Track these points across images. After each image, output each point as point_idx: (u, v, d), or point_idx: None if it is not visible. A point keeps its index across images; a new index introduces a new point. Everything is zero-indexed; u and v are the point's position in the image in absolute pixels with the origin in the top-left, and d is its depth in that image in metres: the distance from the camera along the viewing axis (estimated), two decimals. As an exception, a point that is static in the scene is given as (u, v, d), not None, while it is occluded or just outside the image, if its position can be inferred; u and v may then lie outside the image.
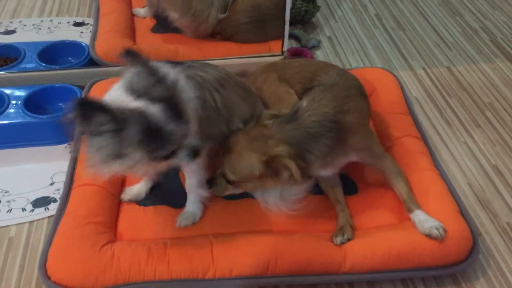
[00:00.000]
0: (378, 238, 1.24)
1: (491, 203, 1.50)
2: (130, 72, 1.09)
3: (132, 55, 1.09)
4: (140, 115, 1.03)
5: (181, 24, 2.00)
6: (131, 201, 1.38)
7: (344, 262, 1.21)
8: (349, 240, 1.25)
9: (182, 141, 1.10)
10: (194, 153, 1.12)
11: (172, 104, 1.07)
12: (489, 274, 1.31)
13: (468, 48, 2.18)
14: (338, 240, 1.25)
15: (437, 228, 1.23)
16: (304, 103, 1.29)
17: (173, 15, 1.98)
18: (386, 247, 1.22)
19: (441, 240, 1.22)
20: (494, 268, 1.32)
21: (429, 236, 1.23)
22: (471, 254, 1.26)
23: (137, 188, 1.40)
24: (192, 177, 1.32)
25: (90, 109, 1.00)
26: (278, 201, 1.32)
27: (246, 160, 1.21)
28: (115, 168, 1.07)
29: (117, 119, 1.01)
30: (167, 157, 1.09)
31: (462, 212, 1.33)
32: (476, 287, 1.28)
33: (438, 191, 1.35)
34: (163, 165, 1.17)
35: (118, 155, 1.04)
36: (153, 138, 1.05)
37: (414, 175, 1.40)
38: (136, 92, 1.06)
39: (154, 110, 1.04)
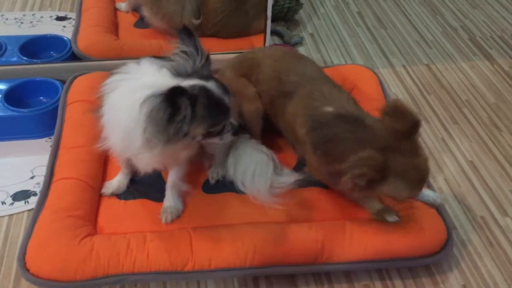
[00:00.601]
0: (354, 229, 1.27)
1: (466, 197, 1.53)
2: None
3: (188, 34, 1.15)
4: (204, 90, 1.09)
5: (155, 24, 1.99)
6: (112, 195, 1.39)
7: (321, 252, 1.23)
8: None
9: (231, 116, 1.17)
10: (236, 130, 1.20)
11: (220, 82, 1.15)
12: (462, 266, 1.34)
13: (447, 46, 2.22)
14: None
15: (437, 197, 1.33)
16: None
17: (146, 12, 1.98)
18: (362, 238, 1.25)
19: (417, 231, 1.26)
20: (468, 261, 1.36)
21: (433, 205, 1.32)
22: (445, 246, 1.29)
23: (117, 181, 1.40)
24: (176, 172, 1.34)
25: (175, 95, 1.02)
26: (267, 190, 1.34)
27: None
28: (174, 147, 1.10)
29: (189, 96, 1.04)
30: (219, 133, 1.15)
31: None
32: (450, 279, 1.31)
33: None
34: (209, 144, 1.22)
35: (184, 133, 1.07)
36: (214, 112, 1.11)
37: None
38: (183, 73, 1.11)
39: (211, 85, 1.11)
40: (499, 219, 1.47)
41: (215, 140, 1.18)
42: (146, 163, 1.20)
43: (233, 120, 1.20)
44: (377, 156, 1.09)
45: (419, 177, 1.14)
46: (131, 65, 1.17)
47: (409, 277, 1.30)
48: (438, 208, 1.35)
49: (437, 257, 1.28)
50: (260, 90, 1.46)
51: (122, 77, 1.15)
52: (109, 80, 1.16)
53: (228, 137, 1.19)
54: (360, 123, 1.21)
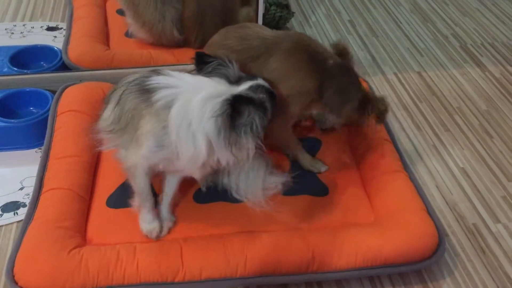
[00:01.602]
0: (345, 237, 1.26)
1: (458, 204, 1.53)
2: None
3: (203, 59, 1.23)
4: (262, 87, 1.19)
5: (137, 34, 1.98)
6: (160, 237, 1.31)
7: (312, 261, 1.23)
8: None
9: None
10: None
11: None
12: (455, 274, 1.34)
13: (438, 54, 2.23)
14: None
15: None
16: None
17: (127, 20, 1.98)
18: (353, 246, 1.24)
19: (408, 236, 1.27)
20: (460, 268, 1.35)
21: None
22: (436, 251, 1.28)
23: (152, 220, 1.31)
24: (177, 180, 1.34)
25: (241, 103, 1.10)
26: (261, 191, 1.36)
27: None
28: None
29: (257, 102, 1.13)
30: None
31: (429, 211, 1.36)
32: (443, 286, 1.30)
33: (406, 191, 1.39)
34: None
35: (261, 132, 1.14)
36: (274, 103, 1.21)
37: (383, 177, 1.44)
38: (234, 78, 1.19)
39: (261, 81, 1.21)
40: (491, 226, 1.47)
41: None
42: (204, 172, 1.23)
43: None
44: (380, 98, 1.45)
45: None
46: (166, 78, 1.19)
47: (401, 284, 1.29)
48: (430, 213, 1.35)
49: (429, 262, 1.28)
50: None
51: (172, 91, 1.15)
52: (159, 97, 1.15)
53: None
54: (353, 74, 1.44)
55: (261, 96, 1.17)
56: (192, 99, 1.12)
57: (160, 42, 1.97)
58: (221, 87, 1.15)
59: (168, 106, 1.13)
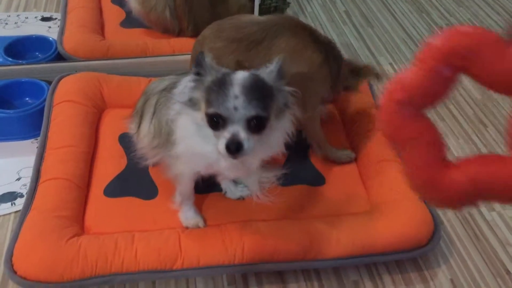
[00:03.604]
0: (342, 225, 1.28)
1: (453, 193, 1.55)
2: None
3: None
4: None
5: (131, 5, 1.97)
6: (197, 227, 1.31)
7: (309, 249, 1.24)
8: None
9: None
10: None
11: None
12: (450, 261, 1.35)
13: (433, 44, 2.24)
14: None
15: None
16: None
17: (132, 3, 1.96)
18: (350, 234, 1.25)
19: (404, 224, 1.28)
20: (455, 255, 1.37)
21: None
22: (432, 239, 1.30)
23: (193, 214, 1.32)
24: None
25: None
26: (256, 185, 1.37)
27: None
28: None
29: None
30: None
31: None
32: (438, 274, 1.32)
33: (401, 179, 1.39)
34: None
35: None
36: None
37: (379, 165, 1.45)
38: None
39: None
40: (485, 213, 1.48)
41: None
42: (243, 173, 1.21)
43: None
44: None
45: None
46: None
47: (397, 272, 1.31)
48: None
49: (424, 250, 1.30)
50: None
51: None
52: None
53: None
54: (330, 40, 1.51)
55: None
56: None
57: (148, 18, 1.97)
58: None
59: None
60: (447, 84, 0.43)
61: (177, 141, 1.14)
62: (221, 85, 0.99)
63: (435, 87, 0.43)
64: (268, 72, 1.04)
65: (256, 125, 0.99)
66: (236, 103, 0.96)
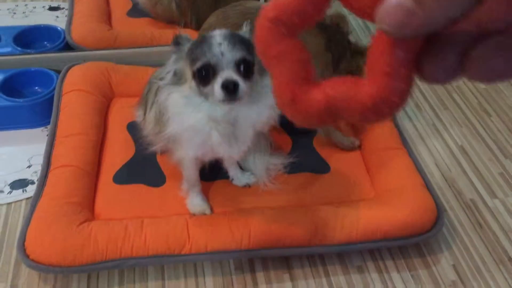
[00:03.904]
0: (346, 212, 1.30)
1: (456, 181, 1.57)
2: None
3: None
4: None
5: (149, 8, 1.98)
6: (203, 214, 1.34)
7: (314, 235, 1.26)
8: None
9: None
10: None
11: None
12: (453, 247, 1.38)
13: (438, 33, 2.24)
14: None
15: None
16: None
17: None
18: (354, 220, 1.28)
19: (408, 210, 1.30)
20: (458, 242, 1.39)
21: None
22: (435, 226, 1.32)
23: (200, 201, 1.34)
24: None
25: None
26: (265, 172, 1.40)
27: None
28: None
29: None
30: None
31: (428, 186, 1.39)
32: (441, 260, 1.35)
33: (404, 167, 1.43)
34: None
35: None
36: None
37: (383, 154, 1.47)
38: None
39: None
40: (488, 201, 1.51)
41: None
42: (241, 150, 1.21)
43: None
44: None
45: None
46: None
47: (400, 257, 1.33)
48: (429, 188, 1.39)
49: (427, 236, 1.32)
50: None
51: None
52: None
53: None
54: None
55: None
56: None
57: (155, 10, 1.98)
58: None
59: None
60: (319, 4, 0.45)
61: (169, 121, 1.16)
62: (202, 42, 1.04)
63: (306, 7, 0.45)
64: (242, 33, 1.09)
65: (245, 69, 1.02)
66: (222, 48, 1.00)
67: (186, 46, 1.07)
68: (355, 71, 1.57)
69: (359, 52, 1.52)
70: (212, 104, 1.07)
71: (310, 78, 0.47)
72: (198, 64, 1.03)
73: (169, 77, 1.11)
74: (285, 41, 0.46)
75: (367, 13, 0.40)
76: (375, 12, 0.36)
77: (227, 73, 1.01)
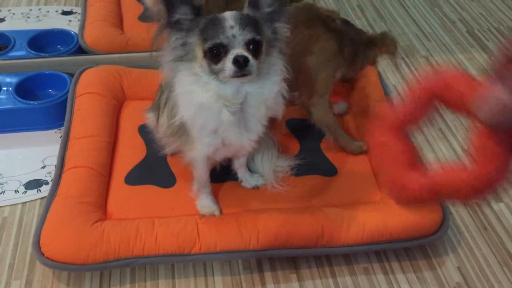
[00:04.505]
0: (353, 214, 1.33)
1: (462, 184, 1.59)
2: None
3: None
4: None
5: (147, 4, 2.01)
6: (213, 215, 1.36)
7: (321, 236, 1.29)
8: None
9: None
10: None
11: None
12: (458, 250, 1.40)
13: (445, 39, 2.27)
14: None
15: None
16: None
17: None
18: (360, 222, 1.30)
19: (413, 212, 1.32)
20: (463, 244, 1.41)
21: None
22: (440, 228, 1.34)
23: (209, 202, 1.38)
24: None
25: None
26: (272, 174, 1.44)
27: None
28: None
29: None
30: None
31: (433, 190, 1.41)
32: (446, 262, 1.37)
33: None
34: None
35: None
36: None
37: (389, 158, 1.50)
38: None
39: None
40: (493, 204, 1.52)
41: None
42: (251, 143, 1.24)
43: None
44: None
45: None
46: None
47: (406, 259, 1.36)
48: None
49: (433, 238, 1.34)
50: None
51: None
52: None
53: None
54: (349, 22, 1.53)
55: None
56: None
57: None
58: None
59: None
60: (428, 110, 0.57)
61: (178, 101, 1.19)
62: (215, 23, 1.08)
63: (418, 112, 0.56)
64: (251, 14, 1.12)
65: (254, 48, 1.08)
66: (234, 31, 1.06)
67: (201, 22, 1.09)
68: (372, 62, 1.58)
69: (373, 42, 1.53)
70: (221, 83, 1.11)
71: (414, 163, 0.54)
72: (210, 43, 1.07)
73: (175, 52, 1.12)
74: (394, 136, 0.54)
75: (459, 106, 0.47)
76: (471, 104, 0.42)
77: (238, 51, 1.06)
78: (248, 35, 1.07)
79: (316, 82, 1.48)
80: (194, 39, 1.10)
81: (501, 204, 1.53)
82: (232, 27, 1.06)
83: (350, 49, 1.50)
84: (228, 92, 1.12)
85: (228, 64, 1.06)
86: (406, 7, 2.47)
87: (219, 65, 1.08)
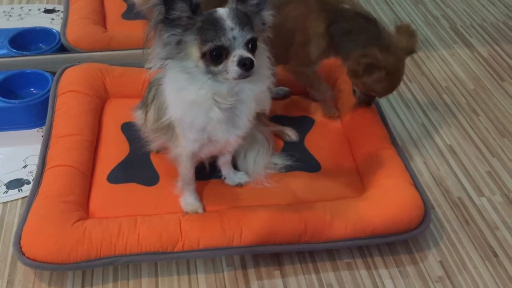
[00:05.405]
0: (336, 210, 1.33)
1: (445, 180, 1.60)
2: None
3: None
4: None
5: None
6: (196, 212, 1.36)
7: (305, 232, 1.29)
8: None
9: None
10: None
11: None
12: (440, 244, 1.41)
13: (429, 35, 2.28)
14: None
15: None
16: None
17: None
18: (343, 218, 1.31)
19: (395, 208, 1.34)
20: (445, 238, 1.42)
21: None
22: (422, 223, 1.35)
23: (193, 200, 1.38)
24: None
25: None
26: (261, 173, 1.45)
27: None
28: None
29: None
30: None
31: (416, 184, 1.43)
32: (428, 256, 1.38)
33: (394, 166, 1.46)
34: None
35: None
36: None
37: (373, 153, 1.50)
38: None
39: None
40: (475, 199, 1.54)
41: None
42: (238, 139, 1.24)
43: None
44: (379, 56, 1.42)
45: (395, 83, 1.54)
46: None
47: (388, 254, 1.37)
48: (417, 186, 1.42)
49: (415, 232, 1.35)
50: None
51: None
52: None
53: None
54: (373, 23, 1.48)
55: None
56: None
57: None
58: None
59: None
60: None
61: (169, 100, 1.18)
62: (213, 24, 1.06)
63: None
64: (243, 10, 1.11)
65: (252, 46, 1.08)
66: (234, 33, 1.05)
67: (198, 21, 1.06)
68: (349, 74, 1.54)
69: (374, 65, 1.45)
70: (216, 81, 1.10)
71: None
72: (211, 46, 1.06)
73: (168, 49, 1.08)
74: None
75: None
76: None
77: (240, 51, 1.06)
78: (248, 35, 1.06)
79: (302, 55, 1.53)
80: (190, 39, 1.07)
81: (483, 198, 1.54)
82: (232, 28, 1.05)
83: (342, 37, 1.47)
84: (223, 90, 1.12)
85: (232, 67, 1.06)
86: (390, 3, 2.48)
87: (220, 67, 1.07)
